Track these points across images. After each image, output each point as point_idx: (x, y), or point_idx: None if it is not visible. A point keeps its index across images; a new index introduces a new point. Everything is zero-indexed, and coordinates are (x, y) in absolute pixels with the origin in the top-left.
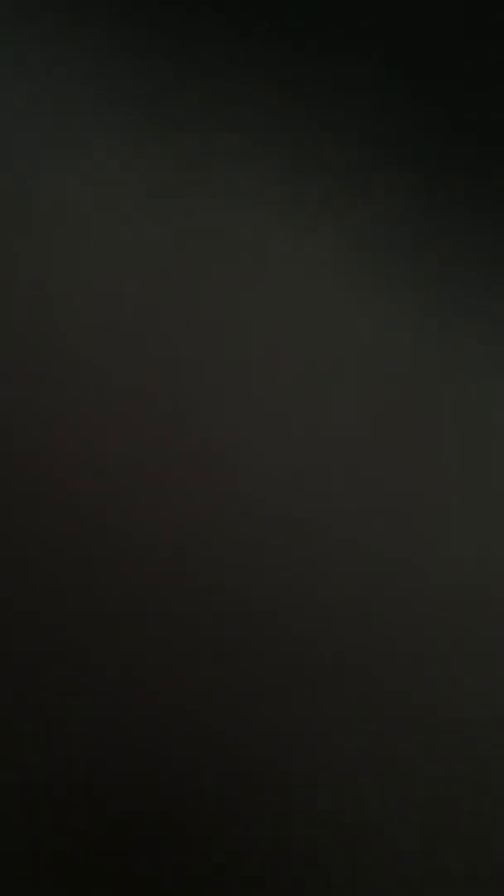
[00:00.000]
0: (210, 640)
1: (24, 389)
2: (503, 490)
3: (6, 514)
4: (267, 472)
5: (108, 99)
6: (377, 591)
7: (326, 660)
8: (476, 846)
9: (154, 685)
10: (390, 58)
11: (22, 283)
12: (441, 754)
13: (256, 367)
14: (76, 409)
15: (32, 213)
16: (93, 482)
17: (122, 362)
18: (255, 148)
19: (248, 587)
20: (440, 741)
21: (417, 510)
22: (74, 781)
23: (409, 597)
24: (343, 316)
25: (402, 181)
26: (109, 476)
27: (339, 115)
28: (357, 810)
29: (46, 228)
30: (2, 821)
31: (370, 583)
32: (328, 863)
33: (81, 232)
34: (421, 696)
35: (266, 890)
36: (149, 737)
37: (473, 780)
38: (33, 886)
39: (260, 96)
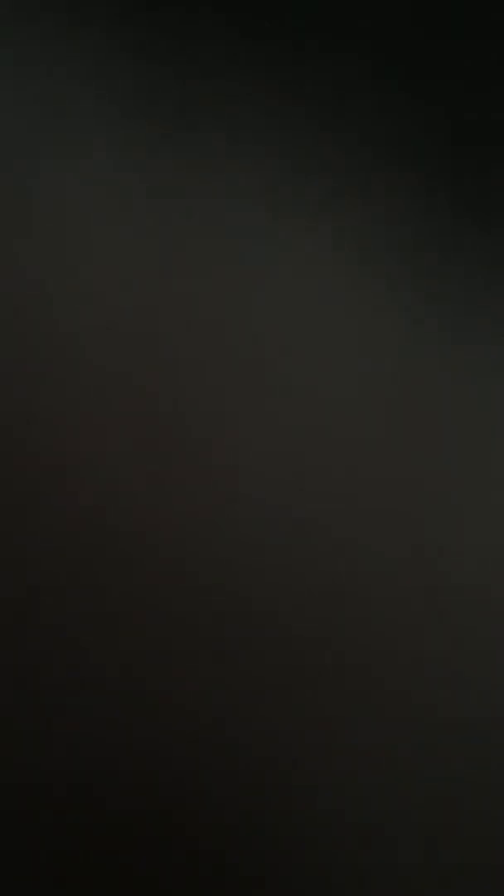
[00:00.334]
0: (210, 640)
1: (24, 389)
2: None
3: (6, 513)
4: (267, 472)
5: (108, 99)
6: (377, 590)
7: (326, 660)
8: (476, 846)
9: (154, 685)
10: (390, 58)
11: (22, 283)
12: (441, 754)
13: (256, 367)
14: (76, 409)
15: (32, 213)
16: (93, 482)
17: (122, 362)
18: (255, 148)
19: (248, 587)
20: (440, 741)
21: (417, 510)
22: (74, 781)
23: (409, 597)
24: (343, 315)
25: (402, 181)
26: (109, 476)
27: (339, 115)
28: (357, 810)
29: (46, 228)
30: (2, 821)
31: (370, 583)
32: (328, 863)
33: (81, 232)
34: (421, 696)
35: (266, 890)
36: (149, 737)
37: (473, 780)
38: (33, 886)
39: (260, 96)
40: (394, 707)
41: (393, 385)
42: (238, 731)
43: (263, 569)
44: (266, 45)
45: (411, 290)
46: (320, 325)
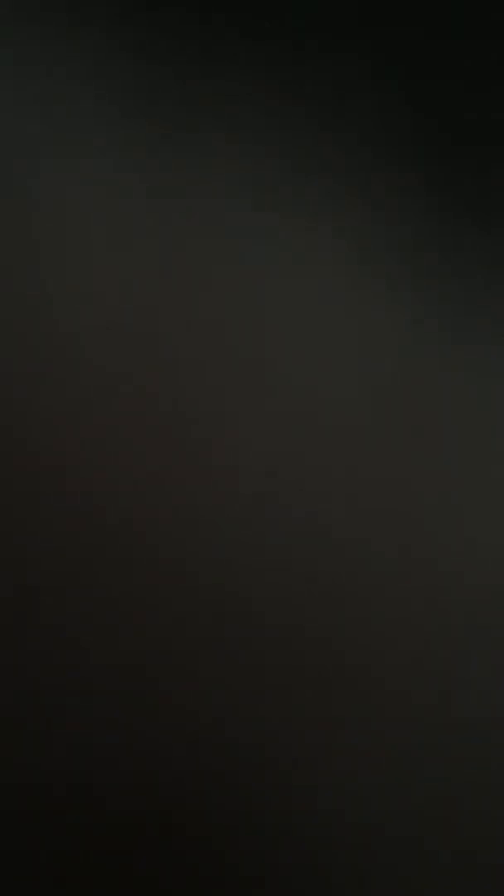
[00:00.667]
0: (210, 640)
1: (24, 389)
2: (503, 490)
3: (6, 513)
4: (267, 472)
5: (108, 99)
6: (377, 590)
7: (326, 659)
8: (476, 846)
9: (154, 685)
10: (390, 58)
11: (22, 282)
12: (441, 754)
13: (256, 367)
14: (76, 409)
15: (32, 213)
16: (93, 482)
17: (123, 362)
18: (255, 148)
19: (248, 587)
20: (440, 741)
21: (418, 509)
22: (74, 781)
23: (409, 596)
24: (343, 316)
25: (402, 181)
26: (109, 476)
27: (339, 115)
28: (357, 810)
29: (46, 228)
30: (2, 821)
31: (370, 582)
32: (328, 863)
33: (81, 232)
34: (421, 696)
35: (266, 890)
36: (149, 737)
37: (473, 780)
38: (33, 886)
39: (260, 96)
40: (394, 707)
41: (393, 385)
42: (238, 731)
43: (264, 569)
44: (266, 45)
45: (411, 290)
46: (320, 325)
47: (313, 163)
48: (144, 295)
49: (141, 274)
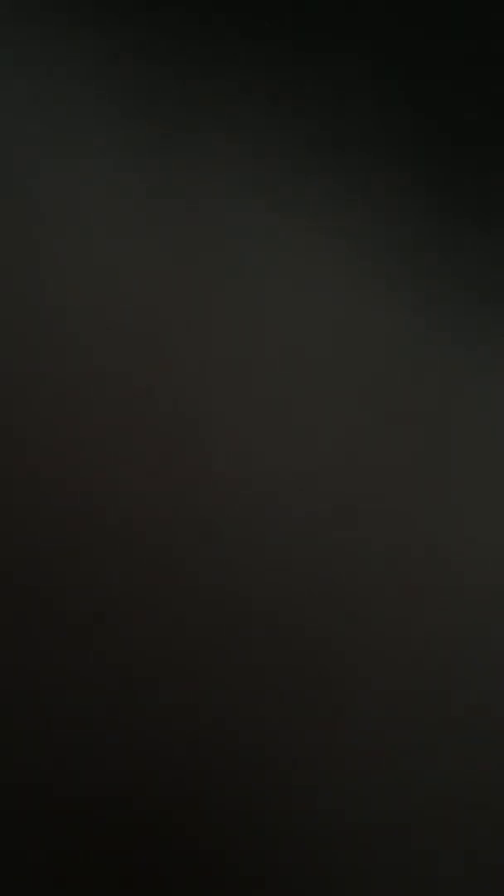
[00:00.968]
0: (210, 640)
1: (25, 389)
2: (503, 491)
3: (6, 513)
4: (267, 472)
5: (108, 99)
6: (377, 590)
7: (326, 659)
8: (476, 846)
9: (154, 685)
10: (390, 58)
11: (22, 283)
12: (441, 754)
13: (256, 367)
14: (76, 409)
15: (32, 213)
16: (93, 482)
17: (122, 362)
18: (255, 148)
19: (248, 587)
20: (440, 741)
21: (418, 510)
22: (74, 781)
23: (408, 596)
24: (343, 315)
25: (402, 181)
26: (109, 476)
27: (339, 115)
28: (357, 810)
29: (46, 228)
30: (2, 821)
31: (370, 582)
32: (328, 863)
33: (81, 232)
34: (421, 696)
35: (266, 890)
36: (149, 737)
37: (473, 780)
38: (33, 886)
39: (260, 96)
40: (394, 707)
41: (393, 385)
42: (238, 731)
43: (263, 568)
44: (266, 45)
45: (411, 290)
46: (320, 325)
47: (313, 163)
48: (144, 295)
49: (141, 274)
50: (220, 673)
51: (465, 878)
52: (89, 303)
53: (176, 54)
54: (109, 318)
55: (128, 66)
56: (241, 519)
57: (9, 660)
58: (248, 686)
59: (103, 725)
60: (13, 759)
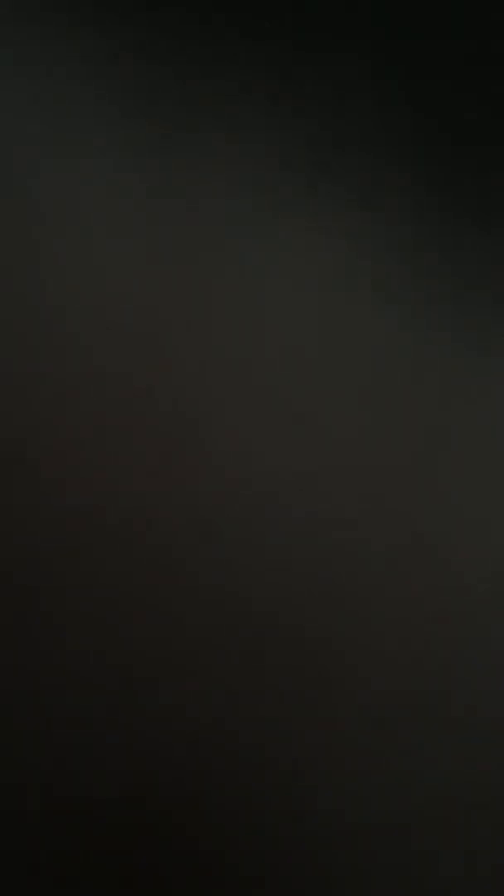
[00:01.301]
0: (210, 639)
1: (25, 389)
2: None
3: (6, 513)
4: (267, 471)
5: (108, 99)
6: (377, 590)
7: (326, 659)
8: (476, 846)
9: (154, 685)
10: (390, 58)
11: (22, 282)
12: (441, 754)
13: (256, 367)
14: (76, 409)
15: (32, 213)
16: (93, 482)
17: (123, 362)
18: (255, 148)
19: (248, 587)
20: (440, 741)
21: (418, 510)
22: (74, 781)
23: (410, 596)
24: (343, 315)
25: (402, 181)
26: (109, 476)
27: (339, 115)
28: (357, 810)
29: (46, 228)
30: (2, 821)
31: (370, 582)
32: (328, 863)
33: (81, 232)
34: (421, 696)
35: (266, 890)
36: (149, 737)
37: (473, 780)
38: (33, 886)
39: (260, 96)
40: (394, 707)
41: (392, 385)
42: (238, 731)
43: (264, 568)
44: (266, 45)
45: (411, 290)
46: (320, 325)
47: (313, 163)
48: (144, 295)
49: (141, 274)
50: (220, 673)
51: (465, 878)
52: (89, 303)
53: (176, 54)
54: (109, 318)
55: (128, 66)
56: (241, 519)
57: (9, 660)
58: (248, 686)
59: (103, 725)
60: (13, 759)
